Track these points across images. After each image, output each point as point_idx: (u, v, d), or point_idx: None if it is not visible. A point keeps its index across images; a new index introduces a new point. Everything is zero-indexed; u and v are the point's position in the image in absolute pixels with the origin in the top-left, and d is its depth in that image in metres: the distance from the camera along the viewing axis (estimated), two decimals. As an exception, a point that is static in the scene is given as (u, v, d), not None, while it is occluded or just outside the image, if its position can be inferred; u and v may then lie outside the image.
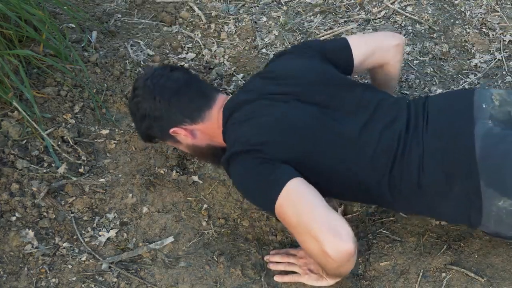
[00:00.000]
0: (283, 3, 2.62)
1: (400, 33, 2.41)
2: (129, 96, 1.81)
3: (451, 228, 1.76)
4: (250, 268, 1.67)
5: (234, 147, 1.56)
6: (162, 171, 1.91)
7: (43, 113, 1.98)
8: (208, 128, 1.68)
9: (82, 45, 2.27)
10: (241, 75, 2.25)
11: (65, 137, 1.94)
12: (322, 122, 1.55)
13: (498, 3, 2.56)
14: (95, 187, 1.85)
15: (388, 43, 1.81)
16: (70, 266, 1.66)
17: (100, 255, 1.69)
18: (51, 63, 2.05)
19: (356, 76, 2.21)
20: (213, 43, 2.41)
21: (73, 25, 2.31)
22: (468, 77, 2.27)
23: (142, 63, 2.25)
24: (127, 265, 1.68)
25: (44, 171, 1.85)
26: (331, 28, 2.48)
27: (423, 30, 2.46)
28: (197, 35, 2.44)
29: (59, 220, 1.76)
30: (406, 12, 2.54)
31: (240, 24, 2.50)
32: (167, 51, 2.34)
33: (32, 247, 1.69)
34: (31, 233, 1.70)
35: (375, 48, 1.80)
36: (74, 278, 1.64)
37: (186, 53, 2.35)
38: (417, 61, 2.34)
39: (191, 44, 2.40)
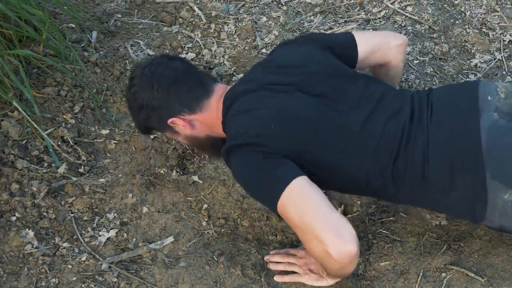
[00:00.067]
0: (283, 3, 2.62)
1: (400, 33, 2.41)
2: (126, 86, 1.78)
3: (451, 228, 1.76)
4: (250, 268, 1.67)
5: (234, 139, 1.54)
6: (162, 171, 1.91)
7: (43, 113, 1.98)
8: (207, 119, 1.66)
9: (82, 45, 2.27)
10: (241, 75, 2.25)
11: (65, 137, 1.94)
12: (323, 113, 1.54)
13: (498, 3, 2.56)
14: (95, 187, 1.85)
15: (392, 42, 1.81)
16: (70, 266, 1.66)
17: (100, 255, 1.69)
18: (51, 63, 2.05)
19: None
20: (213, 43, 2.41)
21: (73, 25, 2.31)
22: (468, 77, 2.26)
23: (142, 63, 2.25)
24: (127, 265, 1.68)
25: (44, 171, 1.85)
26: (331, 28, 2.48)
27: (423, 30, 2.46)
28: (197, 35, 2.44)
29: (59, 220, 1.76)
30: (406, 12, 2.54)
31: (240, 24, 2.50)
32: (167, 51, 2.34)
33: (32, 247, 1.69)
34: (31, 233, 1.70)
35: (379, 46, 1.79)
36: (74, 278, 1.64)
37: (186, 53, 2.35)
38: (417, 61, 2.34)
39: (191, 44, 2.40)
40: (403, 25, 2.49)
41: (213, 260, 1.69)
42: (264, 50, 2.37)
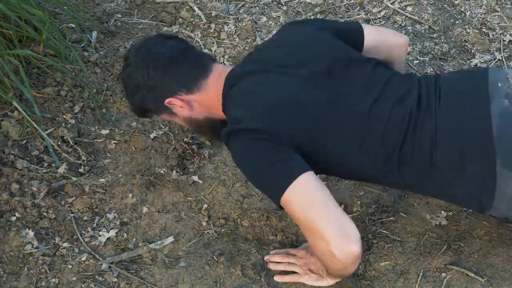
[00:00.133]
0: (283, 3, 2.62)
1: (400, 33, 2.42)
2: (121, 66, 1.72)
3: (451, 228, 1.76)
4: (250, 268, 1.67)
5: (234, 123, 1.49)
6: (162, 171, 1.91)
7: (43, 113, 1.98)
8: (205, 99, 1.60)
9: (82, 45, 2.27)
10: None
11: (65, 137, 1.94)
12: (330, 98, 1.49)
13: (498, 3, 2.56)
14: (95, 187, 1.85)
15: (396, 40, 1.80)
16: (70, 266, 1.66)
17: (100, 255, 1.69)
18: (51, 63, 2.05)
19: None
20: (213, 43, 2.41)
21: (73, 25, 2.31)
22: (468, 77, 2.26)
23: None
24: (127, 265, 1.68)
25: (44, 171, 1.85)
26: (331, 28, 2.48)
27: (423, 30, 2.46)
28: (197, 35, 2.44)
29: (59, 220, 1.76)
30: (406, 12, 2.54)
31: (240, 24, 2.50)
32: (167, 51, 2.34)
33: (32, 247, 1.69)
34: (31, 233, 1.70)
35: (384, 41, 1.77)
36: (74, 278, 1.64)
37: (186, 53, 2.35)
38: (417, 61, 2.34)
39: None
40: (403, 25, 2.49)
41: (213, 260, 1.69)
42: (264, 50, 2.38)
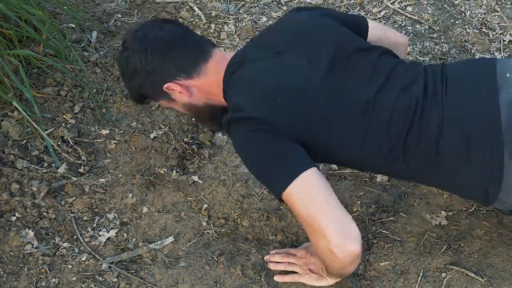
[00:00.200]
0: (283, 3, 2.62)
1: (401, 33, 2.42)
2: (119, 51, 1.67)
3: (451, 228, 1.76)
4: (250, 268, 1.67)
5: (235, 111, 1.46)
6: (162, 171, 1.91)
7: (43, 113, 1.98)
8: (204, 84, 1.56)
9: (82, 45, 2.27)
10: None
11: (65, 137, 1.94)
12: (335, 86, 1.45)
13: (498, 3, 2.56)
14: (95, 187, 1.85)
15: (397, 39, 1.80)
16: (70, 266, 1.66)
17: (100, 255, 1.69)
18: (51, 63, 2.05)
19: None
20: (213, 43, 2.41)
21: (73, 25, 2.31)
22: (468, 77, 2.26)
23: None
24: (127, 265, 1.68)
25: (44, 171, 1.85)
26: (331, 28, 2.48)
27: (423, 30, 2.46)
28: (197, 35, 2.44)
29: (59, 220, 1.76)
30: (406, 12, 2.54)
31: (240, 24, 2.50)
32: (167, 51, 2.34)
33: (32, 247, 1.69)
34: (31, 233, 1.70)
35: (387, 37, 1.75)
36: (74, 278, 1.64)
37: (186, 53, 2.35)
38: (417, 61, 2.34)
39: (191, 44, 2.40)
40: (403, 25, 2.49)
41: (213, 260, 1.69)
42: (264, 50, 2.38)
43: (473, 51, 2.36)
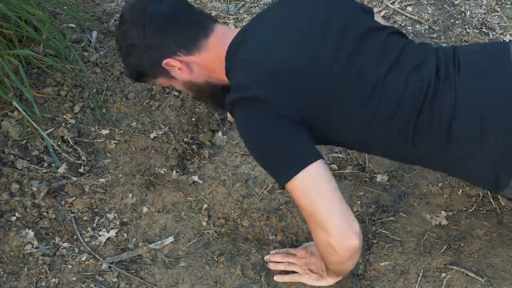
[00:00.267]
0: (283, 3, 2.62)
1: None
2: (116, 26, 1.61)
3: (451, 228, 1.76)
4: (250, 268, 1.67)
5: (239, 90, 1.40)
6: (162, 171, 1.91)
7: (43, 113, 1.98)
8: (205, 61, 1.50)
9: (82, 45, 2.27)
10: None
11: (65, 137, 1.94)
12: (340, 65, 1.40)
13: (498, 3, 2.56)
14: (95, 187, 1.85)
15: None
16: (70, 266, 1.66)
17: (100, 255, 1.70)
18: (51, 63, 2.05)
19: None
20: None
21: (73, 25, 2.31)
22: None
23: (142, 63, 2.25)
24: (127, 265, 1.68)
25: (44, 171, 1.85)
26: (331, 28, 2.48)
27: (423, 30, 2.46)
28: (197, 35, 2.44)
29: (59, 220, 1.76)
30: (406, 12, 2.54)
31: (240, 24, 2.50)
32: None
33: (32, 247, 1.69)
34: (31, 233, 1.70)
35: None
36: (74, 278, 1.64)
37: (186, 53, 2.35)
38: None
39: (191, 44, 2.40)
40: (403, 25, 2.49)
41: (213, 260, 1.69)
42: (264, 50, 2.37)
43: (473, 51, 2.37)
